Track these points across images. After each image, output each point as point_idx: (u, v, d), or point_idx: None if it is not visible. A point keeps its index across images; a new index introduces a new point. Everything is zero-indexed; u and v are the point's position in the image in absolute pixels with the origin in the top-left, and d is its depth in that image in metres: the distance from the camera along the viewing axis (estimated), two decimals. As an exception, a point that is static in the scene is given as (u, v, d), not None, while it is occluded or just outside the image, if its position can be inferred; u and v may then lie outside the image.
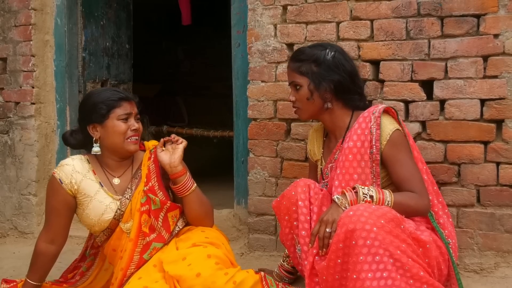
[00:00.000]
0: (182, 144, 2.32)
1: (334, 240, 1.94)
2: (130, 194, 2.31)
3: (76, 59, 3.63)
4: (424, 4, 2.58)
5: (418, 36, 2.59)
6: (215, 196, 4.11)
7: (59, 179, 2.29)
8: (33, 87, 3.51)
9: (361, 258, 1.86)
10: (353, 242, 1.88)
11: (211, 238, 2.30)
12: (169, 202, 2.32)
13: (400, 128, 2.21)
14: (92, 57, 3.73)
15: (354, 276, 1.89)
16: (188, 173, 2.33)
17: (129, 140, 2.28)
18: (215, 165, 5.12)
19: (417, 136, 2.60)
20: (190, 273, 2.05)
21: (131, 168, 2.38)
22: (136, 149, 2.32)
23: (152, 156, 2.37)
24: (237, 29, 3.11)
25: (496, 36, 2.48)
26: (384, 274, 1.86)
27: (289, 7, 2.84)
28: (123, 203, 2.29)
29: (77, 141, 2.39)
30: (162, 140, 2.38)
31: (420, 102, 2.60)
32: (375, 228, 1.86)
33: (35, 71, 3.51)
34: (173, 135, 2.36)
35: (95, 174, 2.33)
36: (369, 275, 1.86)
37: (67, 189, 2.29)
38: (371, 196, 2.05)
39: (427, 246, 2.03)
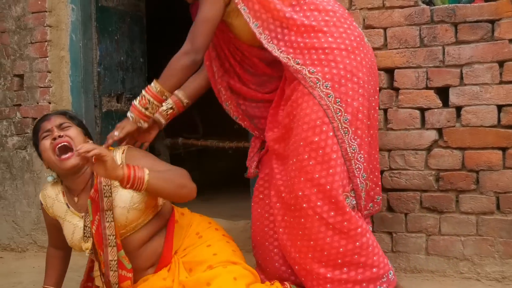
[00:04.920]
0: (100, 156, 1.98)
1: None
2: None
3: (91, 74, 3.66)
4: (437, 11, 2.56)
5: (432, 43, 2.58)
6: (232, 207, 4.12)
7: (41, 202, 2.37)
8: (49, 103, 3.55)
9: None
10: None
11: (220, 254, 2.25)
12: None
13: None
14: (107, 72, 3.76)
15: None
16: (132, 170, 2.06)
17: (59, 158, 2.16)
18: (230, 176, 5.11)
19: (434, 144, 2.58)
20: None
21: (89, 182, 2.26)
22: (72, 164, 2.15)
23: None
24: (250, 40, 3.11)
25: (511, 41, 2.46)
26: None
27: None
28: (86, 220, 2.22)
29: None
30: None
31: (436, 110, 2.58)
32: None
33: (51, 87, 3.55)
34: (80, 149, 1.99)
35: (64, 195, 2.30)
36: None
37: (48, 212, 2.34)
38: None
39: None
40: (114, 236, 2.16)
